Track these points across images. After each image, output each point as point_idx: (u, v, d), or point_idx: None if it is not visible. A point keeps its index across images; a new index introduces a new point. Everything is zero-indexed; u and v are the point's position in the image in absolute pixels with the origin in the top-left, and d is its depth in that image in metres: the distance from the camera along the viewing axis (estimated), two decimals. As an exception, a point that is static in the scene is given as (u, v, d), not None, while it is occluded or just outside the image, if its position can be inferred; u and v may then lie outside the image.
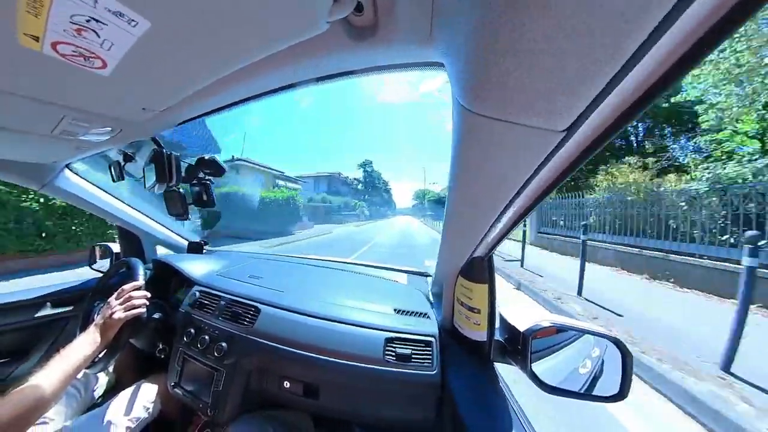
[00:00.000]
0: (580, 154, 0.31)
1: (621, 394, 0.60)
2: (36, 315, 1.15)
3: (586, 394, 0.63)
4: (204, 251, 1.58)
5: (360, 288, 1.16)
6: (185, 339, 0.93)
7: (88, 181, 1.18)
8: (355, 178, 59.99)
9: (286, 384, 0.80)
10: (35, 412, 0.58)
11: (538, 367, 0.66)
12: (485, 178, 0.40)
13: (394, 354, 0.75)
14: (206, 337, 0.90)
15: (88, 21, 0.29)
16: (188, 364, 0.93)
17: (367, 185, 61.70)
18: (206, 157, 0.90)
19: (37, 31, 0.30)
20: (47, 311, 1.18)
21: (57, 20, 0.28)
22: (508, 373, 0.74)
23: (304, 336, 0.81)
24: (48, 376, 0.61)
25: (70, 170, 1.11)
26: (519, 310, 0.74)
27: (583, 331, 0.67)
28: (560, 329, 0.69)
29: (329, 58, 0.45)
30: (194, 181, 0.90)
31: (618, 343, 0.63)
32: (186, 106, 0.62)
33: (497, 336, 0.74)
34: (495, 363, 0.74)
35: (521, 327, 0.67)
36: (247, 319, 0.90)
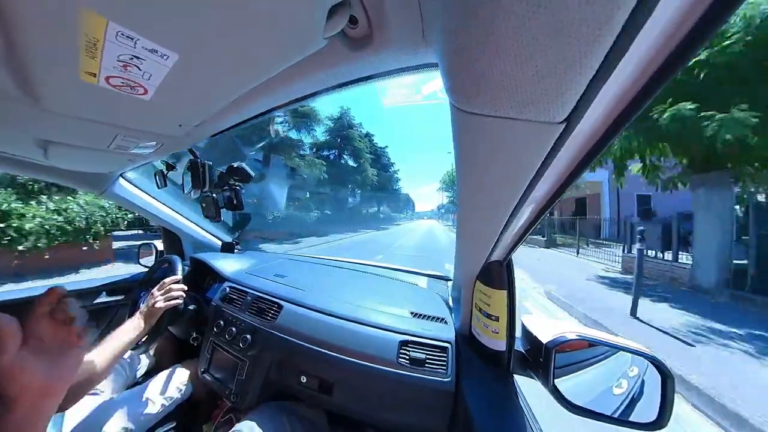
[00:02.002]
0: (592, 147, 0.29)
1: (659, 423, 0.53)
2: (94, 302, 1.33)
3: (616, 418, 0.56)
4: (235, 251, 1.70)
5: (379, 290, 1.16)
6: (215, 330, 1.01)
7: (138, 187, 1.34)
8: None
9: (303, 378, 0.83)
10: (89, 384, 0.66)
11: (562, 384, 0.61)
12: (490, 178, 0.39)
13: (407, 357, 0.74)
14: (233, 329, 0.96)
15: (131, 58, 0.36)
16: (217, 352, 1.00)
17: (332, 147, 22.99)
18: (235, 165, 0.96)
19: (94, 69, 0.37)
20: (103, 299, 1.36)
21: (108, 59, 0.36)
22: (527, 388, 0.70)
23: (322, 333, 0.84)
24: (100, 354, 0.70)
25: (124, 179, 1.28)
26: (543, 321, 0.70)
27: (615, 347, 0.61)
28: (588, 343, 0.64)
29: (334, 70, 0.48)
30: (225, 187, 0.97)
31: (656, 363, 0.56)
32: (215, 121, 0.70)
33: (518, 346, 0.70)
34: (514, 375, 0.70)
35: (544, 338, 0.63)
36: (270, 315, 0.94)
